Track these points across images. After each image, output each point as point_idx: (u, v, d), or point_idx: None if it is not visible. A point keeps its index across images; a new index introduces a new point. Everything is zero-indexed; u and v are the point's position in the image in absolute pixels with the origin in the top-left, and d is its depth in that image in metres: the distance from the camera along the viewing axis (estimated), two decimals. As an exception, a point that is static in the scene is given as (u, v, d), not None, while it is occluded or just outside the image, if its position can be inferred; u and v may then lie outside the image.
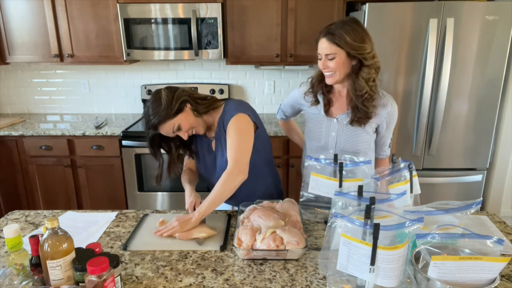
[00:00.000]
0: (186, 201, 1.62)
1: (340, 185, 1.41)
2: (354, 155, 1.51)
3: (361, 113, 1.58)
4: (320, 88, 1.66)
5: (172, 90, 1.51)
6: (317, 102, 1.68)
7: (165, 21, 2.89)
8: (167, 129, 1.49)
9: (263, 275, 1.18)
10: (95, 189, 3.06)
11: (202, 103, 1.57)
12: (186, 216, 1.43)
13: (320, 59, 1.56)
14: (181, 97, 1.50)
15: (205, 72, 3.44)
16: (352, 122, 1.62)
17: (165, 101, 1.47)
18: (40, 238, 1.07)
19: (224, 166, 1.52)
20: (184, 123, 1.50)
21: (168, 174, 1.65)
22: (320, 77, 1.64)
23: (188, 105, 1.52)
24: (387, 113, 1.62)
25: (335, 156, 1.47)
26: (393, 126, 1.69)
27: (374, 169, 1.65)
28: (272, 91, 3.45)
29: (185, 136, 1.54)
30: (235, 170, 1.46)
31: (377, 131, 1.69)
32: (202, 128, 1.57)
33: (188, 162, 1.82)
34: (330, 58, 1.52)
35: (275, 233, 1.27)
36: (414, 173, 1.37)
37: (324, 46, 1.52)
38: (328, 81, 1.58)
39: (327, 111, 1.67)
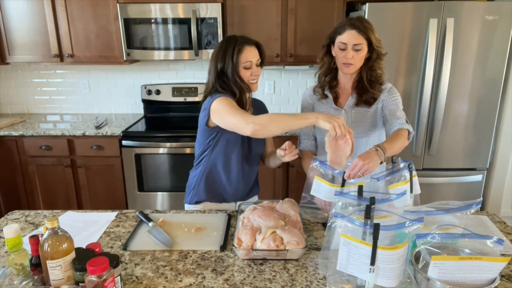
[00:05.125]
0: (339, 123, 1.33)
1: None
2: (366, 137, 1.59)
3: (368, 96, 1.67)
4: (327, 83, 1.75)
5: None
6: (325, 96, 1.76)
7: (165, 21, 2.89)
8: (255, 53, 1.59)
9: (263, 275, 1.18)
10: (95, 189, 3.05)
11: None
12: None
13: (344, 50, 1.60)
14: None
15: (205, 72, 3.36)
16: (358, 103, 1.70)
17: None
18: (40, 238, 1.07)
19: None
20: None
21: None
22: (327, 72, 1.73)
23: None
24: (386, 91, 1.70)
25: None
26: (397, 99, 1.70)
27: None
28: (272, 91, 3.45)
29: (258, 71, 1.61)
30: None
31: (382, 110, 1.71)
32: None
33: None
34: (357, 49, 1.59)
35: (275, 233, 1.27)
36: (414, 173, 1.37)
37: (353, 37, 1.59)
38: (347, 70, 1.65)
39: (336, 103, 1.75)
